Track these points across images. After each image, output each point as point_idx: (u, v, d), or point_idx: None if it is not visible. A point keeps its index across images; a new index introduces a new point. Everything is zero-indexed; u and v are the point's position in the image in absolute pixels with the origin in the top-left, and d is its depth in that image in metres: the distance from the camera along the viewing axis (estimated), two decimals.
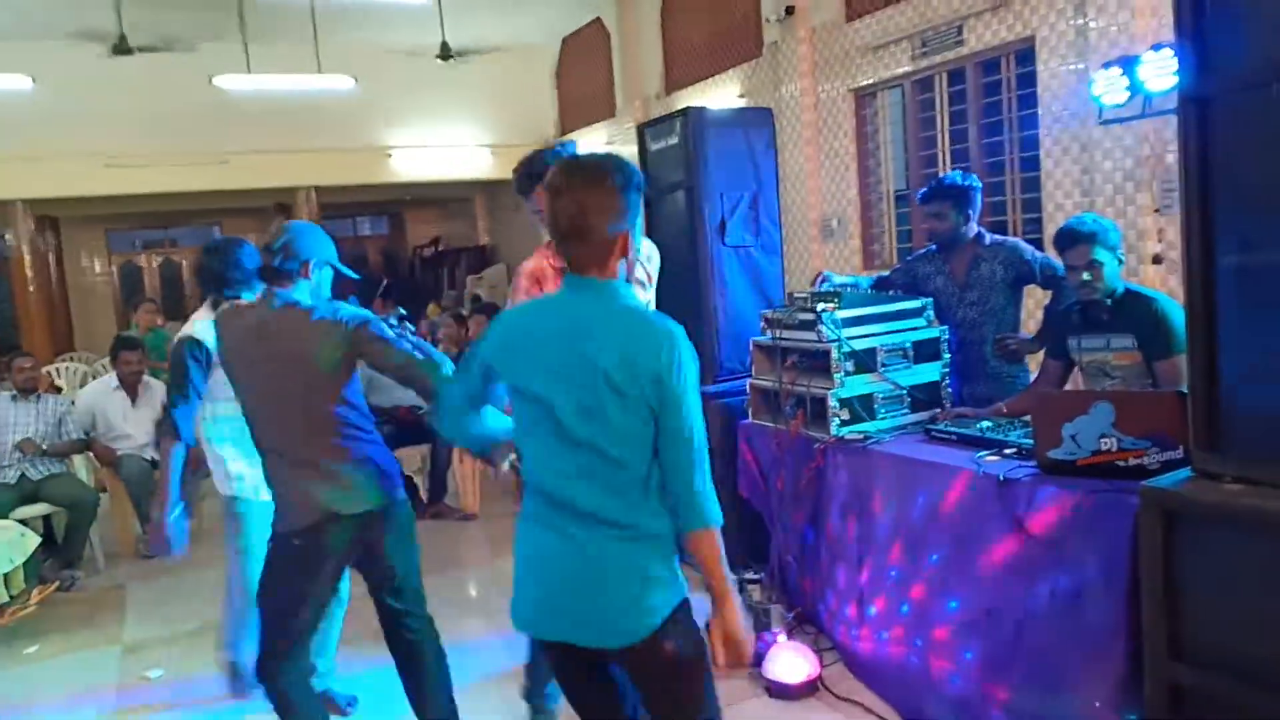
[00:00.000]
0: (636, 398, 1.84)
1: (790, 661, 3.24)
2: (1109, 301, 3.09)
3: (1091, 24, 5.41)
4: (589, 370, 1.85)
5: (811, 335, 3.40)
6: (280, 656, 2.63)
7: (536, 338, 1.94)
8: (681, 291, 4.53)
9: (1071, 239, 3.08)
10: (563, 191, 1.90)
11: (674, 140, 4.50)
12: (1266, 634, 1.92)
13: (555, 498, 1.94)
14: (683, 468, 1.89)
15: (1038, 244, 4.13)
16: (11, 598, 4.57)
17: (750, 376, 3.83)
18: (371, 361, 2.63)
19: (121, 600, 4.85)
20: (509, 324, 2.07)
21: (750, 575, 3.66)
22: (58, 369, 9.51)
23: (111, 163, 10.73)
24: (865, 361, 3.36)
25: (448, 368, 2.61)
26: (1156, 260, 5.23)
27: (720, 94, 9.19)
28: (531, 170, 2.92)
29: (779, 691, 3.23)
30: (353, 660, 3.58)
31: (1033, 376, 3.70)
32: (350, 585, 3.25)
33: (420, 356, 2.62)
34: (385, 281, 11.79)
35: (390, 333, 2.66)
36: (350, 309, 2.69)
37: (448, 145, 12.66)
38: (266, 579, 2.68)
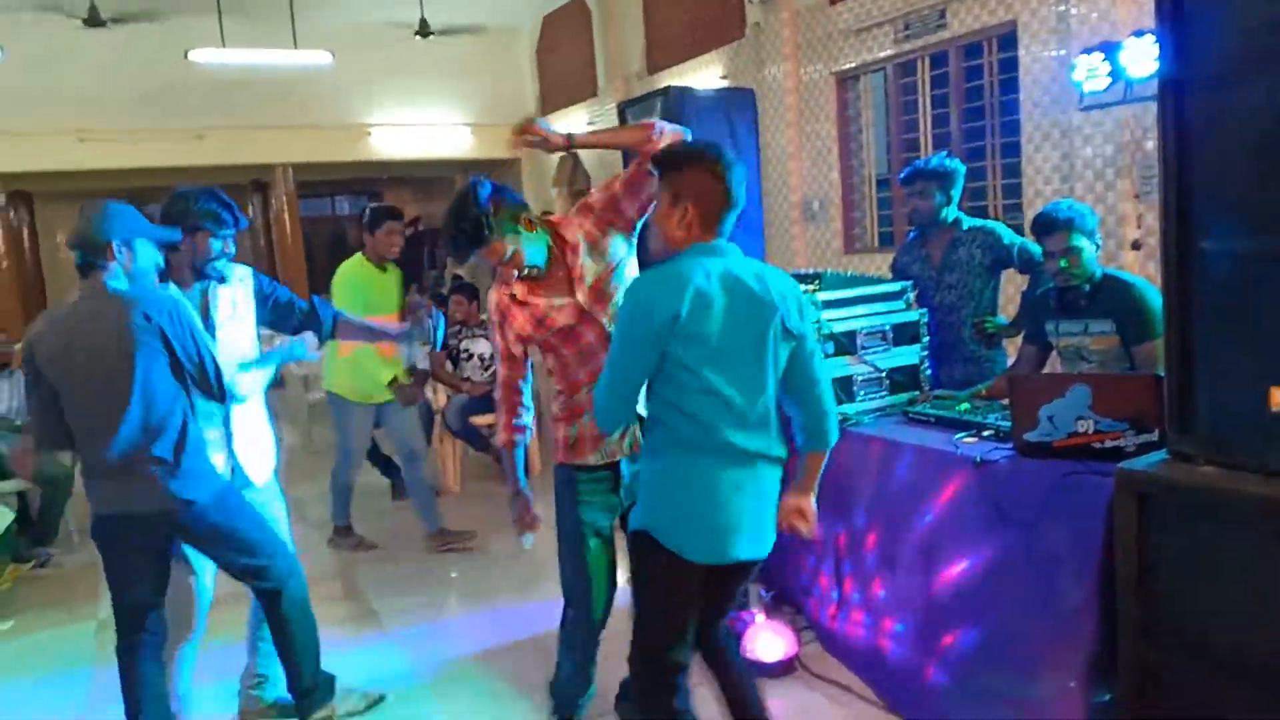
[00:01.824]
0: (798, 336, 2.26)
1: (769, 641, 3.27)
2: (1087, 287, 3.11)
3: (1073, 10, 5.43)
4: (771, 319, 2.20)
5: None
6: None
7: (721, 298, 2.15)
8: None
9: (1049, 225, 3.10)
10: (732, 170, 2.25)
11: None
12: (1238, 616, 1.95)
13: (742, 444, 2.20)
14: (827, 386, 2.38)
15: (1018, 229, 4.15)
16: None
17: None
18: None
19: (96, 577, 4.75)
20: (694, 290, 2.14)
21: None
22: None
23: (85, 137, 10.56)
24: (845, 344, 3.37)
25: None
26: (1136, 246, 5.27)
27: (702, 75, 9.15)
28: (467, 228, 2.48)
29: (757, 670, 3.25)
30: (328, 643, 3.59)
31: (1011, 360, 3.73)
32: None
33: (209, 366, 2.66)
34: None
35: (194, 322, 2.63)
36: (160, 295, 2.62)
37: (427, 124, 12.54)
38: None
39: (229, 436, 2.93)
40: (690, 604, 2.33)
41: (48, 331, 2.64)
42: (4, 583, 4.57)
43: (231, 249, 2.90)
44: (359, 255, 4.76)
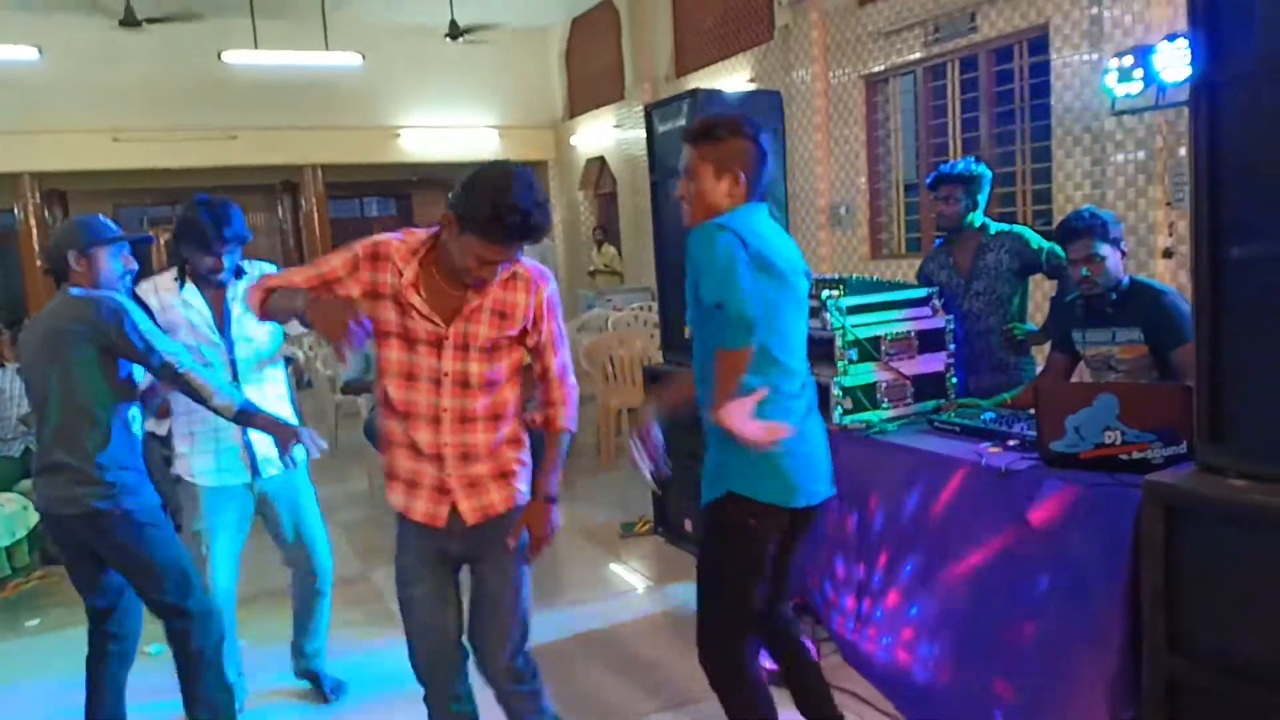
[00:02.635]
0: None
1: None
2: (1114, 294, 3.07)
3: (1106, 13, 5.36)
4: (802, 281, 2.39)
5: (816, 322, 3.37)
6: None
7: (784, 251, 2.35)
8: (686, 277, 4.51)
9: (1071, 233, 3.06)
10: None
11: (682, 122, 4.47)
12: (1267, 630, 1.91)
13: (813, 389, 2.45)
14: None
15: (1047, 236, 4.10)
16: (14, 570, 4.60)
17: None
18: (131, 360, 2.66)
19: None
20: (769, 237, 2.32)
21: None
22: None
23: (119, 137, 10.73)
24: (869, 350, 3.33)
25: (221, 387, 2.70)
26: (1167, 254, 5.19)
27: (730, 78, 9.13)
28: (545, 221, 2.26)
29: (777, 680, 3.23)
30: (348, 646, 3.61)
31: (1040, 368, 3.67)
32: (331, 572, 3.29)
33: (179, 369, 2.63)
34: None
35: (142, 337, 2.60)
36: (104, 298, 2.62)
37: (456, 126, 12.63)
38: None
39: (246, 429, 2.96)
40: (767, 565, 2.42)
41: (25, 335, 2.76)
42: (32, 579, 4.63)
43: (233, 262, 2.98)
44: None
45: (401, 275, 2.13)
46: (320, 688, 3.34)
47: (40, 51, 8.98)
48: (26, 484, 5.11)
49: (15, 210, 11.66)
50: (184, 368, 2.64)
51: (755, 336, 2.15)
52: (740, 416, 2.16)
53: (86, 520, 2.63)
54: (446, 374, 2.17)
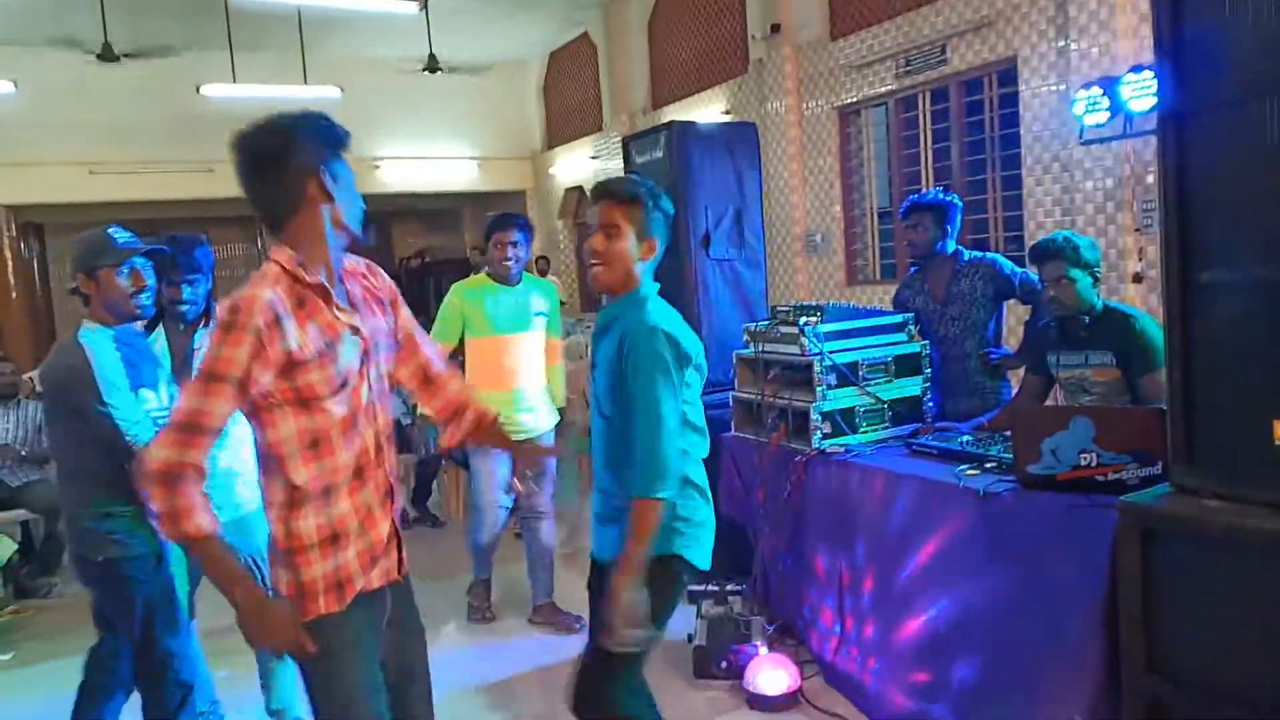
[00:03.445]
0: None
1: (771, 674, 3.24)
2: (1087, 319, 3.12)
3: (1073, 45, 5.49)
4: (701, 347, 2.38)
5: (794, 348, 3.41)
6: None
7: (688, 332, 2.33)
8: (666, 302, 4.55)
9: (1043, 255, 3.12)
10: None
11: (659, 154, 4.52)
12: (1244, 650, 1.93)
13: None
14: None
15: (1019, 262, 4.18)
16: None
17: (733, 389, 3.85)
18: None
19: None
20: (678, 327, 2.30)
21: (732, 587, 3.66)
22: (40, 375, 9.43)
23: (96, 170, 10.69)
24: (847, 375, 3.37)
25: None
26: (1137, 279, 5.28)
27: (706, 110, 9.24)
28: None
29: (759, 703, 3.23)
30: None
31: (1015, 391, 3.73)
32: None
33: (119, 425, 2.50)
34: None
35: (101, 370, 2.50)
36: (77, 341, 2.55)
37: (435, 157, 12.68)
38: None
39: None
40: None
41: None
42: (3, 617, 4.56)
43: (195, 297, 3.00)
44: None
45: (302, 305, 1.79)
46: None
47: (16, 85, 8.96)
48: (1, 515, 5.04)
49: None
50: (127, 438, 2.50)
51: (673, 480, 2.18)
52: (631, 619, 2.10)
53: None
54: (374, 388, 1.91)
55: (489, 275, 4.09)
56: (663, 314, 2.27)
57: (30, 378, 7.72)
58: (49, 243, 13.66)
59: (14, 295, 11.48)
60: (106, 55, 9.25)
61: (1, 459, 5.18)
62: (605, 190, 2.31)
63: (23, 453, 5.26)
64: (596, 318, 2.40)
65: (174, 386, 2.82)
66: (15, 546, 4.81)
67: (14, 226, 11.39)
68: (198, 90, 9.72)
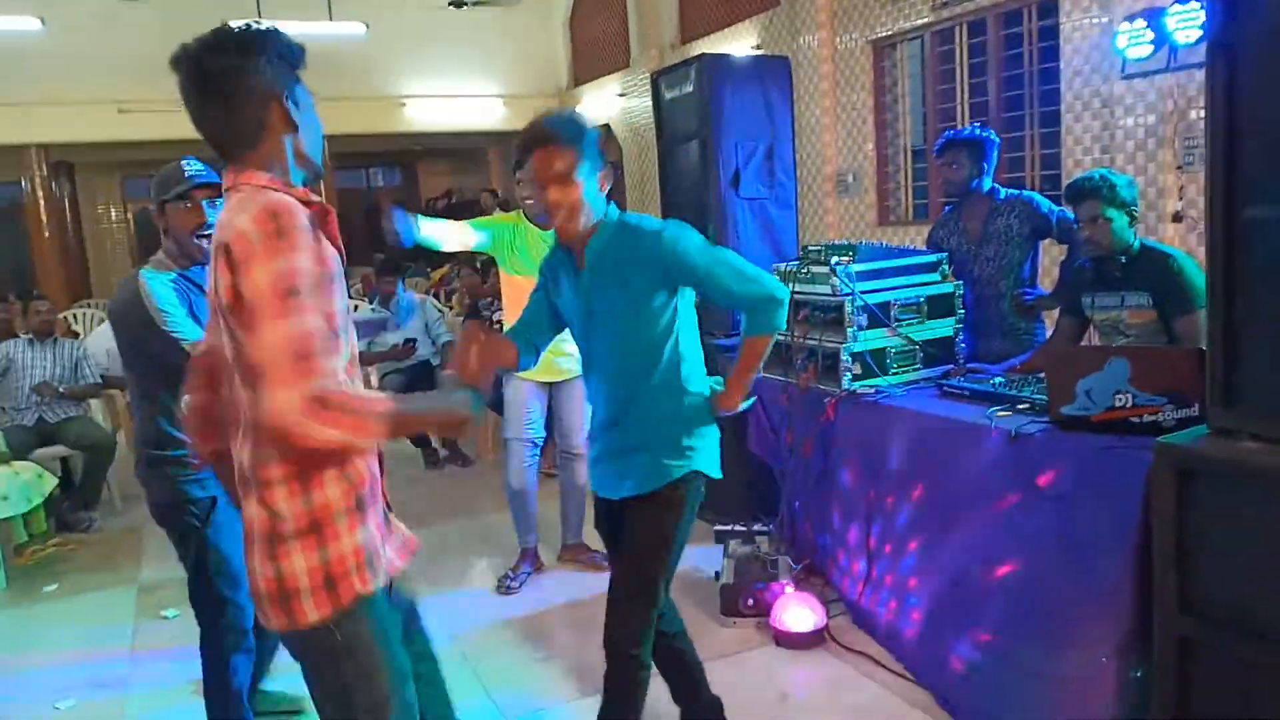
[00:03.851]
0: None
1: (797, 612, 3.27)
2: (1123, 259, 3.06)
3: None
4: None
5: (825, 289, 3.38)
6: None
7: None
8: None
9: (1079, 194, 3.05)
10: None
11: (689, 89, 4.45)
12: (1278, 590, 1.92)
13: None
14: None
15: (1056, 201, 4.09)
16: (31, 537, 4.66)
17: None
18: None
19: (138, 542, 4.92)
20: None
21: (759, 527, 3.68)
22: (74, 314, 9.56)
23: (125, 108, 10.67)
24: (879, 316, 3.34)
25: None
26: (1177, 218, 5.16)
27: (736, 44, 9.05)
28: None
29: (786, 641, 3.27)
30: None
31: (1049, 332, 3.68)
32: None
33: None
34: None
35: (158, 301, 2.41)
36: (140, 276, 2.47)
37: (461, 95, 12.54)
38: None
39: None
40: None
41: None
42: (49, 546, 4.69)
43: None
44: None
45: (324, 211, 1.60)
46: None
47: (43, 22, 8.92)
48: (41, 451, 5.16)
49: (22, 182, 11.64)
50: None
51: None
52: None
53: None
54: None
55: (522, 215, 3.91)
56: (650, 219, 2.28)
57: (65, 317, 7.84)
58: (79, 181, 13.73)
59: (46, 235, 11.57)
60: None
61: (40, 396, 5.28)
62: (544, 136, 2.12)
63: (60, 389, 5.35)
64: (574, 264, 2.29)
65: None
66: (56, 481, 4.92)
67: (45, 166, 11.43)
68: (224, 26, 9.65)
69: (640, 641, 2.30)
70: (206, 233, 2.43)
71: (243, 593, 2.52)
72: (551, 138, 2.11)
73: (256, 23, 1.61)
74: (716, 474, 2.42)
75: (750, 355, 2.33)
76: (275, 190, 1.54)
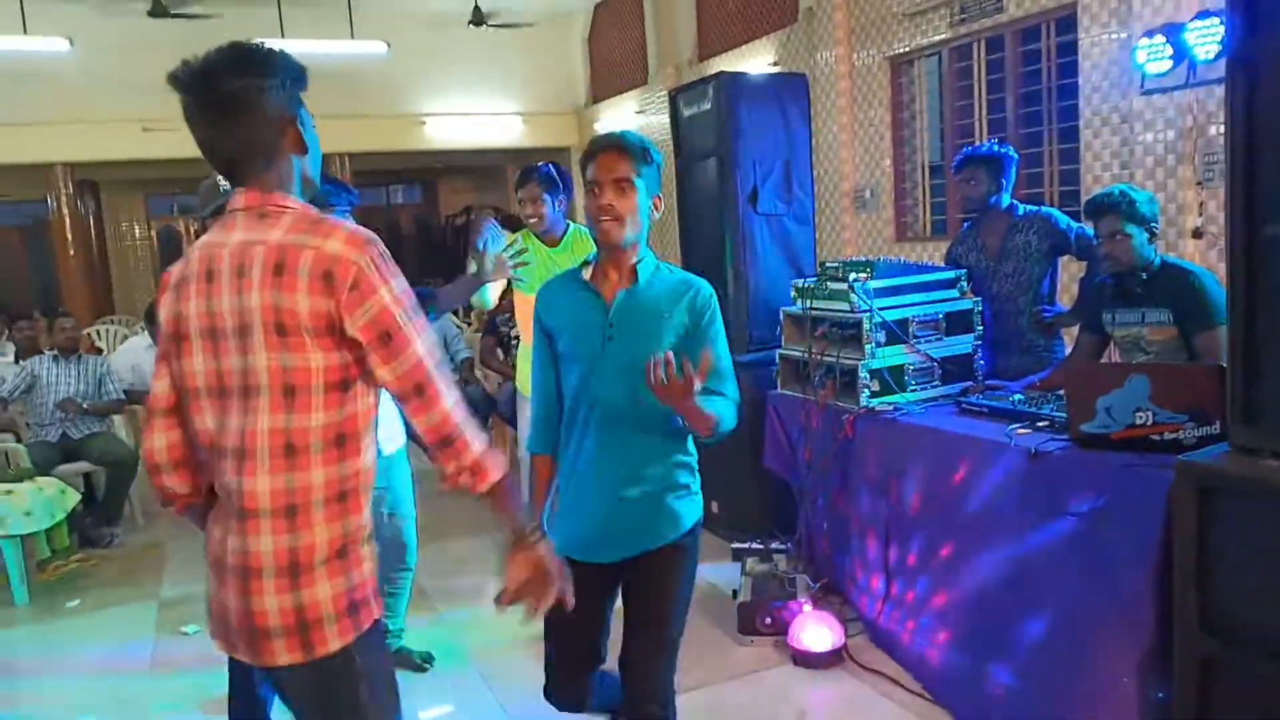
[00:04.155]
0: None
1: (816, 631, 3.26)
2: (1144, 275, 3.04)
3: None
4: None
5: (843, 305, 3.38)
6: None
7: None
8: (712, 259, 4.52)
9: (1098, 210, 3.04)
10: None
11: (707, 106, 4.47)
12: None
13: None
14: None
15: (1075, 217, 4.07)
16: (53, 553, 4.69)
17: (779, 346, 3.82)
18: None
19: (160, 557, 4.95)
20: None
21: (776, 545, 3.67)
22: (98, 331, 9.66)
23: (150, 127, 10.81)
24: (897, 332, 3.33)
25: None
26: (1197, 234, 5.12)
27: (753, 61, 9.08)
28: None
29: (804, 660, 3.25)
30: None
31: (1068, 349, 3.66)
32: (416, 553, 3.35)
33: None
34: None
35: None
36: None
37: (480, 113, 12.64)
38: None
39: None
40: None
41: None
42: (71, 562, 4.72)
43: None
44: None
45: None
46: (412, 661, 3.40)
47: (71, 43, 9.06)
48: (64, 467, 5.21)
49: (49, 200, 11.79)
50: None
51: None
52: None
53: None
54: None
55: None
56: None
57: (89, 333, 7.93)
58: (104, 199, 13.90)
59: (71, 252, 11.71)
60: (157, 11, 9.32)
61: (65, 412, 5.34)
62: (612, 142, 2.12)
63: (85, 405, 5.41)
64: (616, 294, 2.14)
65: None
66: (79, 497, 4.97)
67: (70, 184, 11.58)
68: None
69: (671, 702, 2.17)
70: None
71: None
72: (620, 145, 2.11)
73: (262, 43, 1.60)
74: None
75: (718, 417, 2.07)
76: (325, 219, 1.54)
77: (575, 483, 2.20)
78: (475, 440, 1.54)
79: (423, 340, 1.51)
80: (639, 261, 2.15)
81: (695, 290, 2.15)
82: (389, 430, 3.08)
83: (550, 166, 3.83)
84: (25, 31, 8.64)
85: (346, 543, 1.53)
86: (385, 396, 1.60)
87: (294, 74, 1.58)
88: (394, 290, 1.48)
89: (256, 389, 1.48)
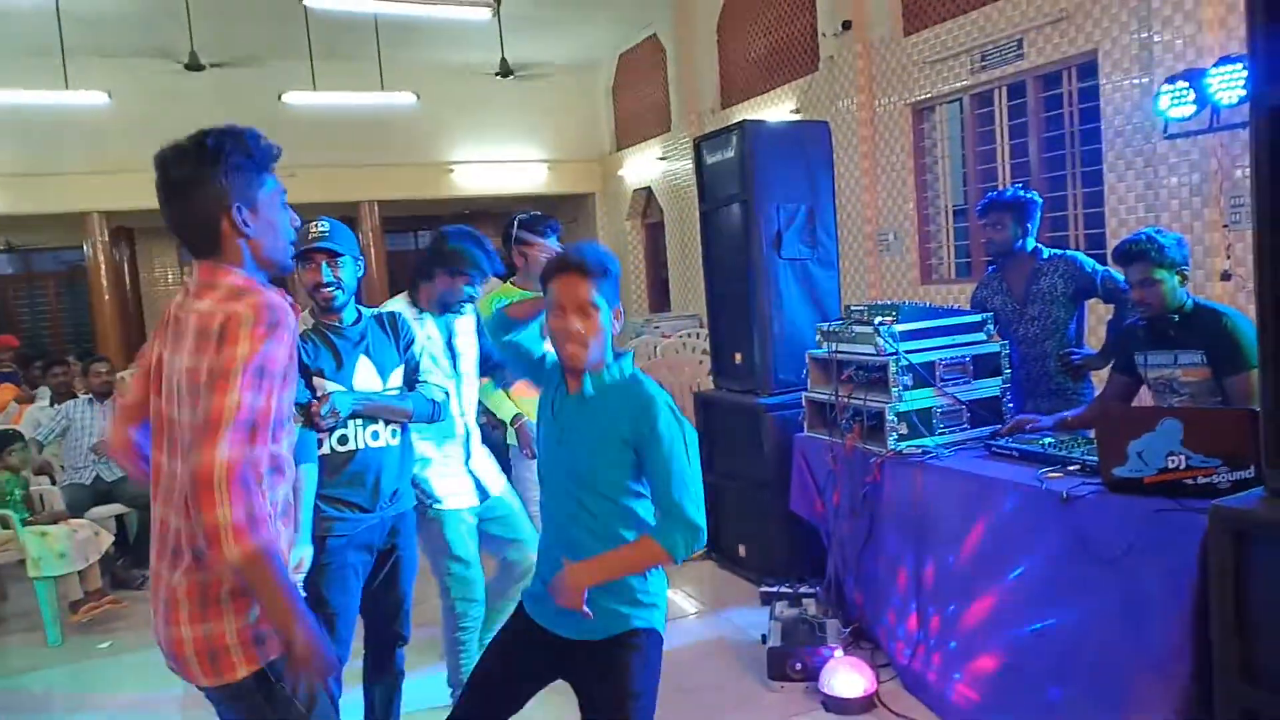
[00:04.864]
0: None
1: (847, 677, 3.22)
2: (1176, 317, 3.04)
3: (1156, 37, 5.33)
4: None
5: (869, 348, 3.39)
6: None
7: None
8: (737, 304, 4.55)
9: (1127, 257, 3.04)
10: None
11: (730, 153, 4.53)
12: None
13: None
14: None
15: (1100, 260, 4.08)
16: (86, 594, 4.73)
17: (805, 389, 3.83)
18: None
19: None
20: None
21: (805, 589, 3.64)
22: (131, 375, 9.80)
23: None
24: (924, 375, 3.34)
25: None
26: (1225, 277, 5.11)
27: (775, 109, 9.20)
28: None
29: (835, 706, 3.22)
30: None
31: (1097, 392, 3.64)
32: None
33: None
34: None
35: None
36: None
37: (507, 161, 12.86)
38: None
39: (467, 455, 3.21)
40: None
41: None
42: (102, 607, 4.75)
43: (478, 293, 3.21)
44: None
45: None
46: None
47: (109, 96, 9.33)
48: (98, 510, 5.27)
49: (85, 247, 12.06)
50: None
51: None
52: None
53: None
54: None
55: (514, 284, 3.79)
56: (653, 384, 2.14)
57: (123, 376, 8.04)
58: (138, 246, 14.19)
59: (106, 298, 11.93)
60: (193, 65, 9.58)
61: (98, 455, 5.41)
62: (573, 264, 2.06)
63: None
64: (573, 394, 2.12)
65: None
66: (112, 539, 5.02)
67: (106, 231, 11.85)
68: (279, 98, 10.01)
69: None
70: (323, 291, 2.69)
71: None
72: (582, 267, 2.06)
73: (226, 130, 1.69)
74: (661, 628, 2.19)
75: (630, 554, 2.02)
76: (253, 289, 1.65)
77: (544, 538, 2.23)
78: (237, 508, 1.50)
79: (249, 398, 1.55)
80: (598, 372, 2.11)
81: (641, 403, 2.05)
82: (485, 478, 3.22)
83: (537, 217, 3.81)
84: (67, 86, 8.90)
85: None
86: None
87: (241, 162, 1.67)
88: (260, 349, 1.57)
89: (179, 438, 1.63)
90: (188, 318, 1.64)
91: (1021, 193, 3.82)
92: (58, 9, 8.35)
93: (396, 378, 2.80)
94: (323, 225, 2.72)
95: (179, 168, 1.66)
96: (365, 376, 2.73)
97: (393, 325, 2.88)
